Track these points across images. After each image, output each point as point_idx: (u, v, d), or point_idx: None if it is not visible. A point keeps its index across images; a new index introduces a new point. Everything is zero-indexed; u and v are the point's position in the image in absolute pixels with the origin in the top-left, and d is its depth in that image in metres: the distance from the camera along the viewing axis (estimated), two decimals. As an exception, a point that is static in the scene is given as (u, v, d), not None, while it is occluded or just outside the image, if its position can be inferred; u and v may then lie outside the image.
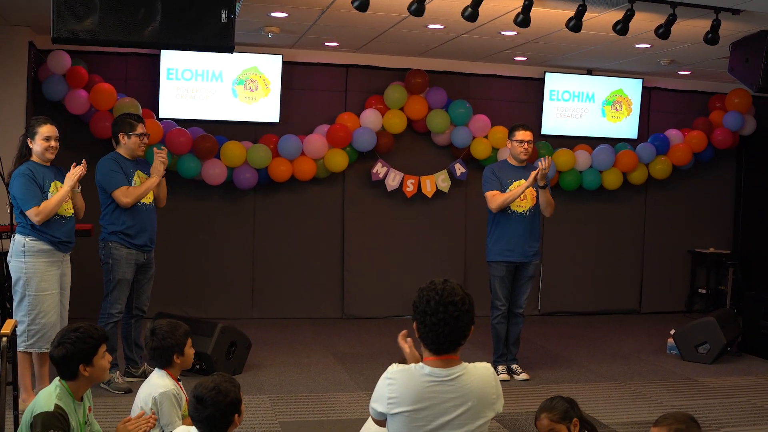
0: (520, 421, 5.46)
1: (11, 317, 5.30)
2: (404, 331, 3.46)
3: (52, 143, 5.28)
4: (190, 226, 8.73)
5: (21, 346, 5.20)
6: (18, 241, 5.23)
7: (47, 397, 3.49)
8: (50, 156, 5.29)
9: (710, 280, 10.08)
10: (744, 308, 8.30)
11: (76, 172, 5.28)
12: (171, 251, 8.43)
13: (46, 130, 5.27)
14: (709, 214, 10.31)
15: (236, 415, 3.23)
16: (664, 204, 10.12)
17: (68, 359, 3.52)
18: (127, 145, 5.96)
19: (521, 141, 6.55)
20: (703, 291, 10.10)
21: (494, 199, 6.52)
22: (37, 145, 5.26)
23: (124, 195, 5.86)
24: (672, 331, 7.80)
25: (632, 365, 7.31)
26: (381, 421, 3.28)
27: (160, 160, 6.00)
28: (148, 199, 6.02)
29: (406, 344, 3.43)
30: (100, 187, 5.93)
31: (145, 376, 4.35)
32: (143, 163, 6.14)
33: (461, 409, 3.11)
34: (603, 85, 9.58)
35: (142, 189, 5.91)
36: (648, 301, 10.15)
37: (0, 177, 5.97)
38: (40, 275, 5.23)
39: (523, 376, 6.68)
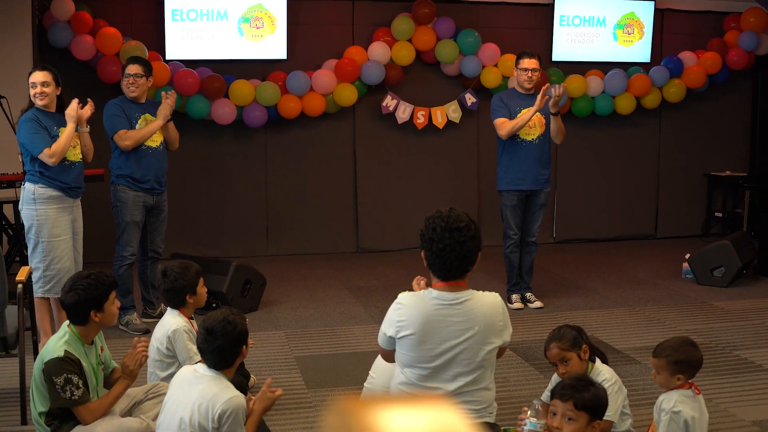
0: (534, 349, 5.50)
1: (28, 264, 5.37)
2: (421, 278, 3.50)
3: (38, 89, 5.18)
4: (202, 166, 8.75)
5: (38, 292, 5.27)
6: (28, 188, 5.25)
7: (56, 343, 3.55)
8: (40, 102, 5.20)
9: (727, 204, 10.01)
10: (760, 231, 8.26)
11: (73, 107, 5.23)
12: (184, 192, 8.47)
13: (33, 77, 5.22)
14: (724, 137, 10.19)
15: (244, 347, 3.29)
16: (678, 127, 10.01)
17: (79, 305, 3.57)
18: (123, 87, 5.96)
19: (525, 69, 6.47)
20: (720, 214, 10.04)
21: (503, 126, 6.47)
22: (30, 92, 5.24)
23: (122, 138, 5.85)
24: (687, 256, 7.79)
25: (647, 291, 7.33)
26: (388, 353, 3.33)
27: (167, 104, 5.97)
28: (155, 142, 5.99)
29: (417, 287, 3.48)
30: (107, 131, 5.95)
31: (162, 316, 4.42)
32: (153, 106, 6.08)
33: (468, 333, 3.17)
34: (614, 9, 9.41)
35: (143, 132, 5.88)
36: (664, 225, 10.13)
37: (11, 126, 5.99)
38: (51, 221, 5.26)
39: (537, 304, 6.71)
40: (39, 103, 5.22)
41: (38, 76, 5.22)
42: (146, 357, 3.84)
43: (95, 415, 3.55)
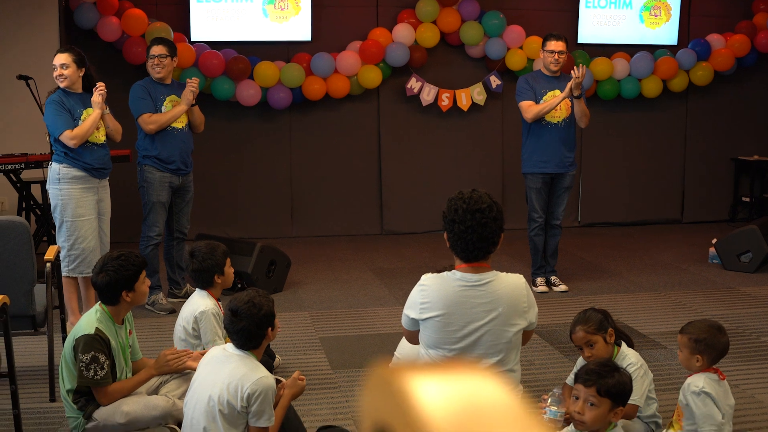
0: (559, 333, 5.49)
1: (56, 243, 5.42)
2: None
3: (58, 71, 5.23)
4: (227, 147, 8.77)
5: (64, 271, 5.32)
6: (53, 168, 5.30)
7: (88, 321, 3.59)
8: (61, 84, 5.26)
9: (754, 188, 9.90)
10: (788, 215, 8.18)
11: (99, 94, 5.29)
12: (210, 173, 8.50)
13: (54, 59, 5.27)
14: (752, 121, 10.07)
15: (270, 329, 3.29)
16: (705, 111, 9.90)
17: (111, 286, 3.60)
18: (148, 69, 5.98)
19: (552, 51, 6.42)
20: (747, 199, 9.95)
21: (530, 109, 6.43)
22: (53, 74, 5.29)
23: (146, 122, 5.88)
24: (714, 241, 7.73)
25: (672, 275, 7.28)
26: (412, 335, 3.33)
27: (190, 89, 5.98)
28: (181, 123, 6.01)
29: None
30: (132, 113, 5.97)
31: (188, 296, 4.45)
32: (179, 87, 6.08)
33: (492, 314, 3.16)
34: (641, -10, 9.32)
35: (167, 116, 5.90)
36: (690, 210, 10.04)
37: (38, 107, 6.03)
38: (75, 201, 5.29)
39: (562, 287, 6.69)
40: (60, 84, 5.28)
41: (58, 59, 5.27)
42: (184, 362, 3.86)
43: (111, 398, 3.58)
